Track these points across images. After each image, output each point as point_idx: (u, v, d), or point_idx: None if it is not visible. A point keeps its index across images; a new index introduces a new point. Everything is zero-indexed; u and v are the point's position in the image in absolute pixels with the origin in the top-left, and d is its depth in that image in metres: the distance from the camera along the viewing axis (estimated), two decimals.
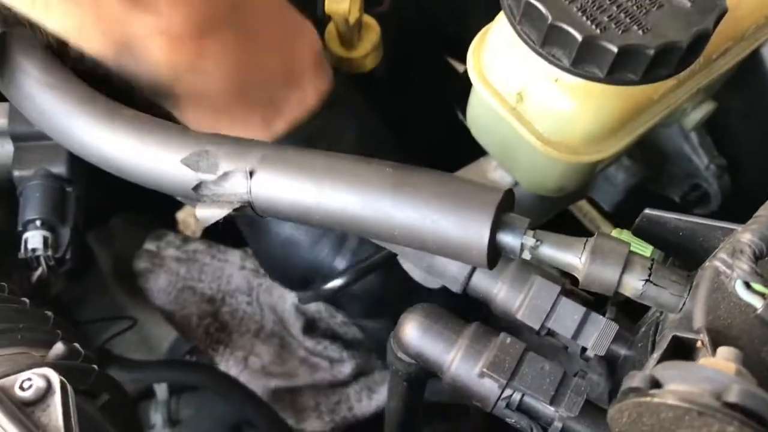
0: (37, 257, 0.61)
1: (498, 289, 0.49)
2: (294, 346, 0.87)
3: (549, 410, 0.45)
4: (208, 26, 0.53)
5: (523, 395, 0.46)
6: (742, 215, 0.41)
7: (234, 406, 0.82)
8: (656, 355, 0.39)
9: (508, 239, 0.43)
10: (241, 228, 0.72)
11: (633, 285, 0.43)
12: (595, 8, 0.43)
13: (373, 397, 0.85)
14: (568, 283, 0.48)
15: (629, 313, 0.50)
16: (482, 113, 0.55)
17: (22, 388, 0.39)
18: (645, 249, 0.48)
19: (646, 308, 0.47)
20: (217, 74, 0.56)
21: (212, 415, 0.85)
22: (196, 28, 0.53)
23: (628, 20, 0.43)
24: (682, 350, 0.38)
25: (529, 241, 0.43)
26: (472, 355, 0.47)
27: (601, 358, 0.47)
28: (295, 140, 0.62)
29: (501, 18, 0.51)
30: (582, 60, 0.43)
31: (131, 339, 0.87)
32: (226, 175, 0.47)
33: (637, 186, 0.69)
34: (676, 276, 0.43)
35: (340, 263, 0.67)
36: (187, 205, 0.91)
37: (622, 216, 0.65)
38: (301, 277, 0.69)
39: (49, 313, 0.55)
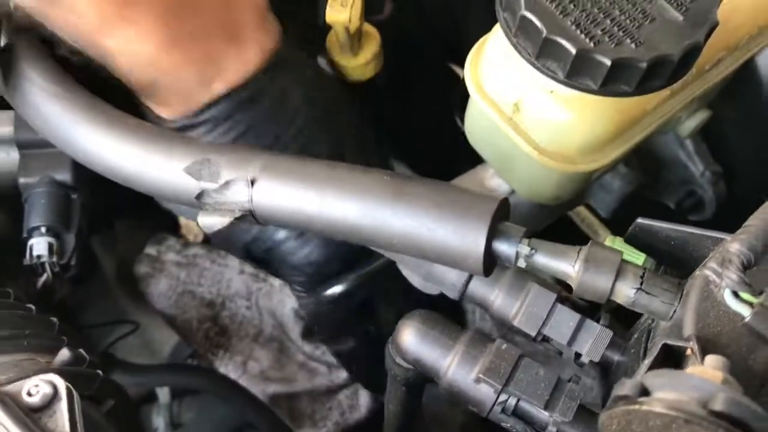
0: (42, 263, 0.62)
1: (495, 296, 0.50)
2: (293, 350, 0.87)
3: (544, 415, 0.46)
4: None
5: (518, 400, 0.46)
6: (736, 222, 0.42)
7: (235, 410, 0.83)
8: (647, 361, 0.39)
9: (504, 248, 0.44)
10: None
11: (625, 293, 0.44)
12: (588, 22, 0.44)
13: (362, 402, 0.85)
14: (562, 291, 0.49)
15: (622, 319, 0.51)
16: (480, 123, 0.56)
17: (29, 394, 0.39)
18: (638, 257, 0.49)
19: (639, 314, 0.47)
20: (147, 23, 0.53)
21: (214, 419, 0.85)
22: None
23: (621, 33, 0.43)
24: (672, 357, 0.39)
25: (524, 249, 0.44)
26: (469, 361, 0.48)
27: (595, 363, 0.48)
28: (236, 100, 0.59)
29: (498, 29, 0.52)
30: (576, 72, 0.44)
31: (134, 343, 0.88)
32: (227, 183, 0.48)
33: (633, 193, 0.69)
34: (668, 284, 0.44)
35: (280, 232, 0.65)
36: (180, 217, 0.92)
37: (619, 222, 0.65)
38: (243, 248, 0.68)
39: (55, 320, 0.56)
